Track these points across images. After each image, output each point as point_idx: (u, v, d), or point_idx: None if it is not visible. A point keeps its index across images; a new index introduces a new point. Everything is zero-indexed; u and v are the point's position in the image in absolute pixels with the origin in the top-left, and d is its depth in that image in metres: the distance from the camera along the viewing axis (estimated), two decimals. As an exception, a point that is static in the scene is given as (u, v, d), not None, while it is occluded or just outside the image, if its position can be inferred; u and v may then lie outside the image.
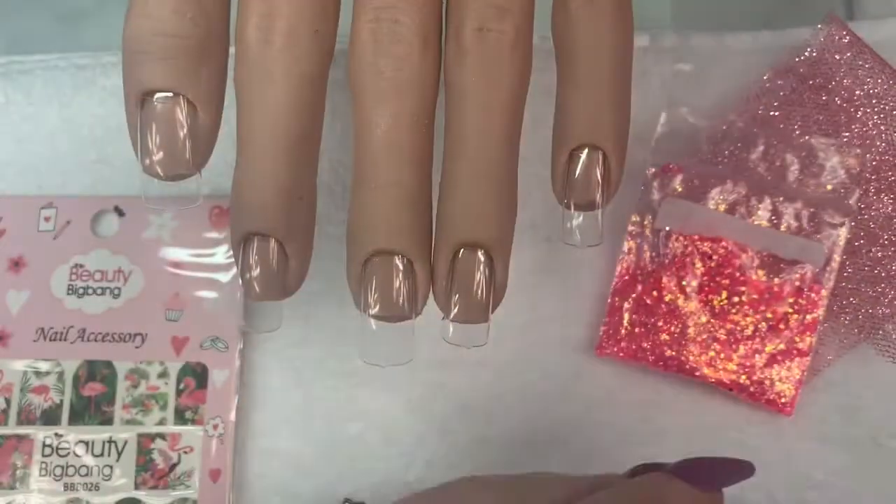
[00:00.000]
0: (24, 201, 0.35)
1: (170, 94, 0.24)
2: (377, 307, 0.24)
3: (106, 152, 0.36)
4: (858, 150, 0.33)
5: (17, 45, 0.39)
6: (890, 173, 0.34)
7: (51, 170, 0.36)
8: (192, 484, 0.33)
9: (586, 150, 0.25)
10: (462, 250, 0.25)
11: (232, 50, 0.25)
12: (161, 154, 0.24)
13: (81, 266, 0.35)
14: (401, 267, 0.24)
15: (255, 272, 0.25)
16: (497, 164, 0.25)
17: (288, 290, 0.26)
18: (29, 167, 0.36)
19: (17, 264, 0.35)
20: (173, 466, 0.33)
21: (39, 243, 0.35)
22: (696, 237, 0.34)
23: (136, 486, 0.33)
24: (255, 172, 0.24)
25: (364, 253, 0.25)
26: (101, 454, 0.33)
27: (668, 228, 0.34)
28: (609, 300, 0.34)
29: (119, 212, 0.35)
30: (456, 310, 0.25)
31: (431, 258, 0.25)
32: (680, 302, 0.34)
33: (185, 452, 0.33)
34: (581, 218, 0.26)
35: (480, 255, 0.25)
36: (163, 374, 0.34)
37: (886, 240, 0.34)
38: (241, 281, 0.25)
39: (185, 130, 0.24)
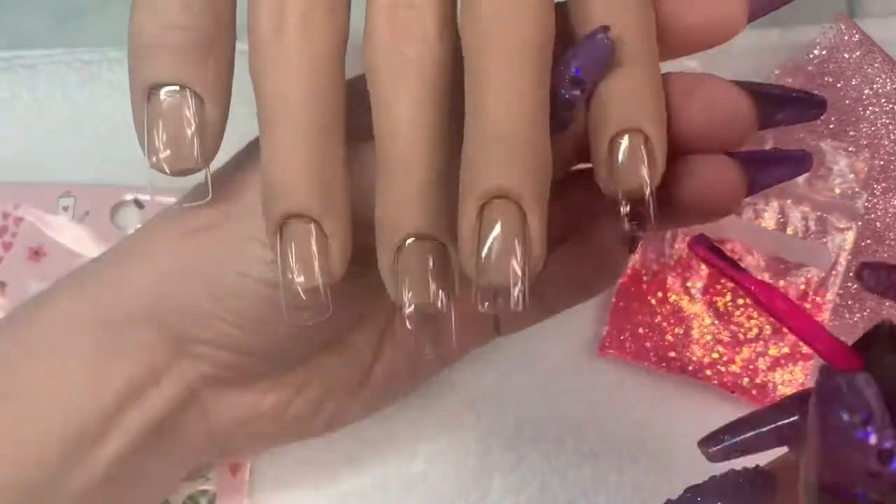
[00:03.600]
0: (42, 190, 0.35)
1: (177, 88, 0.24)
2: (410, 294, 0.23)
3: (111, 149, 0.36)
4: (867, 155, 0.33)
5: (18, 44, 0.39)
6: (897, 174, 0.34)
7: (56, 167, 0.36)
8: (211, 476, 0.33)
9: (627, 136, 0.24)
10: (492, 200, 0.22)
11: (241, 45, 0.25)
12: (168, 151, 0.24)
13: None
14: (432, 251, 0.23)
15: (295, 258, 0.23)
16: (521, 119, 0.22)
17: (333, 274, 0.24)
18: (34, 164, 0.36)
19: (37, 253, 0.35)
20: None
21: (60, 233, 0.35)
22: (702, 238, 0.34)
23: (156, 479, 0.33)
24: (281, 159, 0.23)
25: (396, 239, 0.23)
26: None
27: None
28: (613, 300, 0.34)
29: (139, 204, 0.35)
30: (484, 274, 0.22)
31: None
32: (684, 303, 0.34)
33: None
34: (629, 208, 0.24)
35: (512, 207, 0.22)
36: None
37: (893, 240, 0.34)
38: (280, 270, 0.24)
39: (192, 127, 0.24)
